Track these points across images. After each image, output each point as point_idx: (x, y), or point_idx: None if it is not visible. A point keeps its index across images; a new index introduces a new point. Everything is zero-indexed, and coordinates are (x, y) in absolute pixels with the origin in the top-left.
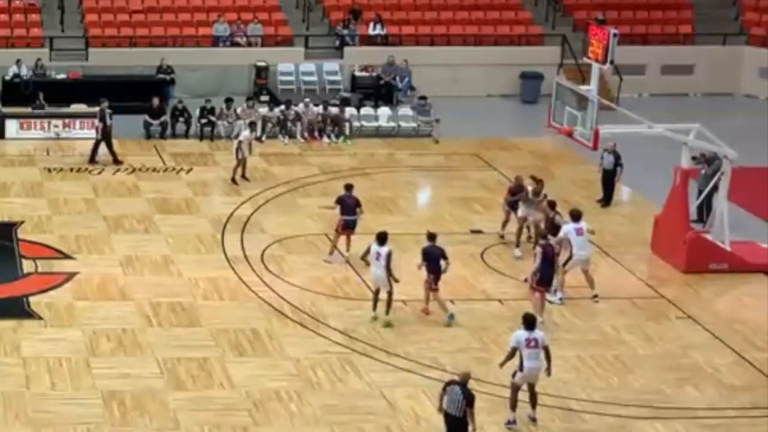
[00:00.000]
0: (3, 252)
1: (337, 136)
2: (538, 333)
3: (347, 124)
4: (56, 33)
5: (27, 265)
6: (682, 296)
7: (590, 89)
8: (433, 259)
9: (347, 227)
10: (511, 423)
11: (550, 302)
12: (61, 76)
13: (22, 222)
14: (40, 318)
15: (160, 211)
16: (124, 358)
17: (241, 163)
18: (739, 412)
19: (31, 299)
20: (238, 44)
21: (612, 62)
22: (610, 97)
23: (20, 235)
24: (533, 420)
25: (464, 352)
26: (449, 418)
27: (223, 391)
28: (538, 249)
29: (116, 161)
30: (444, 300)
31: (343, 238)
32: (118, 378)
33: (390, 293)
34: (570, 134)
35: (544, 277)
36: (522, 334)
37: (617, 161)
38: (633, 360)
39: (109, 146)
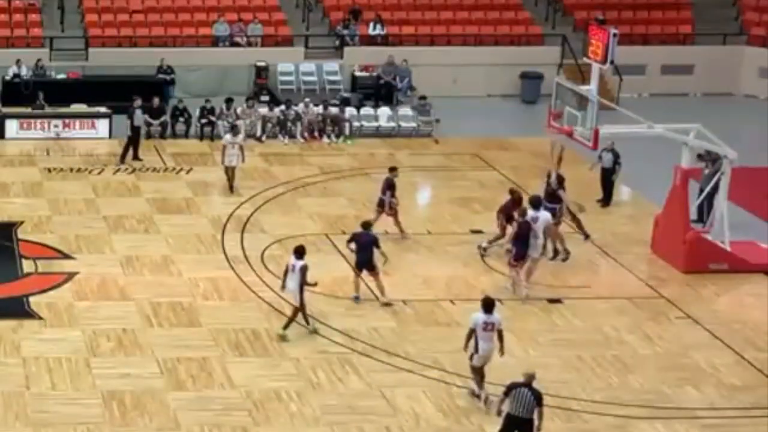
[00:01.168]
0: (3, 252)
1: (337, 136)
2: (495, 317)
3: (347, 124)
4: (56, 33)
5: (27, 265)
6: (682, 296)
7: (590, 89)
8: (363, 246)
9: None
10: (478, 396)
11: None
12: (61, 76)
13: (22, 222)
14: (40, 318)
15: (160, 211)
16: (124, 358)
17: (228, 171)
18: (739, 412)
19: (31, 299)
20: (238, 44)
21: (612, 62)
22: (610, 97)
23: (20, 235)
24: (482, 399)
25: (464, 352)
26: (517, 421)
27: (223, 391)
28: (514, 225)
29: (135, 158)
30: (359, 284)
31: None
32: (118, 378)
33: (297, 309)
34: (570, 134)
35: (519, 253)
36: (480, 317)
37: (616, 160)
38: (633, 360)
39: (134, 145)
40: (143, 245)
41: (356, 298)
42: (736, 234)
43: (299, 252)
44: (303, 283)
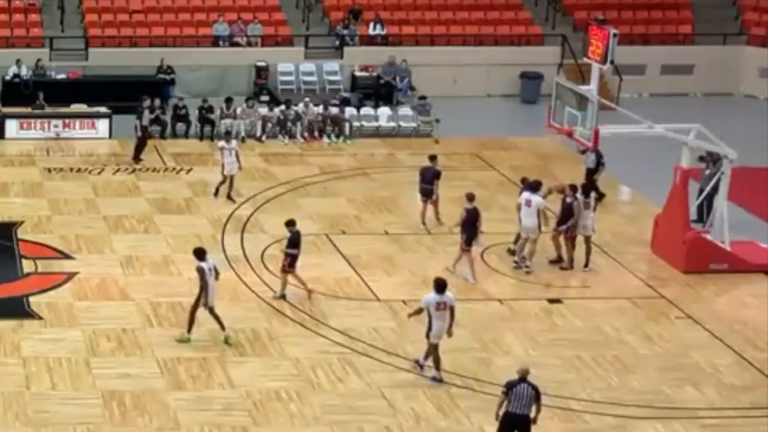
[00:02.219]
0: (3, 252)
1: (337, 136)
2: (448, 296)
3: (347, 124)
4: (56, 33)
5: (27, 265)
6: (682, 296)
7: (590, 89)
8: (293, 244)
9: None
10: (436, 380)
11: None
12: (61, 76)
13: (22, 222)
14: (40, 318)
15: (160, 211)
16: (124, 358)
17: (227, 179)
18: (739, 412)
19: (31, 299)
20: (238, 44)
21: (612, 62)
22: (610, 97)
23: (20, 235)
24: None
25: (464, 352)
26: (515, 418)
27: (223, 391)
28: (463, 211)
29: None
30: (287, 283)
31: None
32: (118, 378)
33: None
34: (570, 134)
35: (469, 238)
36: (433, 297)
37: (599, 160)
38: (633, 360)
39: (142, 144)
40: (143, 245)
41: (282, 296)
42: (736, 234)
43: (196, 253)
44: (202, 285)
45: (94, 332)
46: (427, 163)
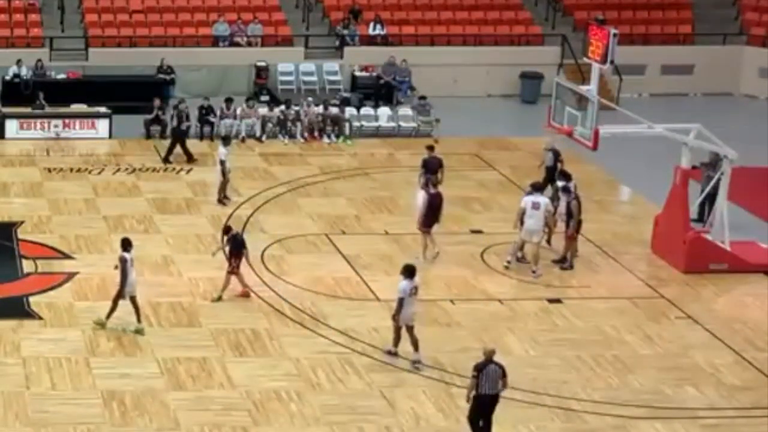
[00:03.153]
0: (3, 252)
1: (337, 136)
2: (417, 281)
3: (347, 124)
4: (56, 33)
5: (27, 265)
6: (682, 296)
7: (590, 89)
8: (237, 246)
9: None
10: (391, 353)
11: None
12: (61, 76)
13: (22, 222)
14: (40, 318)
15: (160, 211)
16: (124, 358)
17: (225, 183)
18: (739, 413)
19: (31, 299)
20: (238, 44)
21: (612, 62)
22: (610, 97)
23: (20, 235)
24: (416, 364)
25: (464, 352)
26: (487, 399)
27: (223, 391)
28: (424, 194)
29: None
30: (228, 286)
31: None
32: (118, 378)
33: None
34: (570, 134)
35: (427, 221)
36: (407, 284)
37: (556, 158)
38: (633, 360)
39: (180, 145)
40: (143, 245)
41: (219, 299)
42: (736, 234)
43: (122, 243)
44: (122, 276)
45: (94, 332)
46: (426, 154)
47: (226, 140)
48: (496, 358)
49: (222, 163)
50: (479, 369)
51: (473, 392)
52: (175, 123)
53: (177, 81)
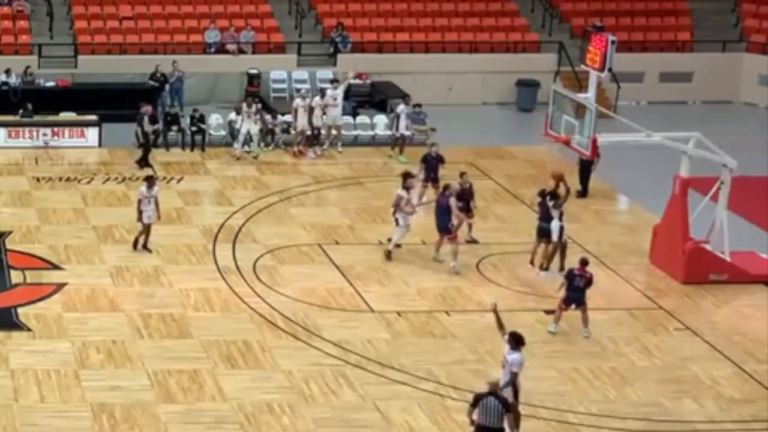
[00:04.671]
0: None
1: (332, 144)
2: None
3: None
4: (45, 40)
5: (15, 276)
6: (681, 307)
7: (588, 97)
8: None
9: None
10: None
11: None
12: (50, 83)
13: (11, 232)
14: (29, 329)
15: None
16: (113, 370)
17: (146, 229)
18: (738, 425)
19: (20, 310)
20: (228, 51)
21: (610, 70)
22: (607, 105)
23: (8, 246)
24: None
25: (459, 364)
26: (487, 430)
27: (215, 403)
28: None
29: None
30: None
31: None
32: (108, 390)
33: None
34: (567, 143)
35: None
36: (521, 358)
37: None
38: (631, 372)
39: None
40: (133, 255)
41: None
42: (735, 244)
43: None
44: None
45: (84, 344)
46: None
47: (149, 180)
48: (495, 371)
49: (138, 202)
50: (477, 399)
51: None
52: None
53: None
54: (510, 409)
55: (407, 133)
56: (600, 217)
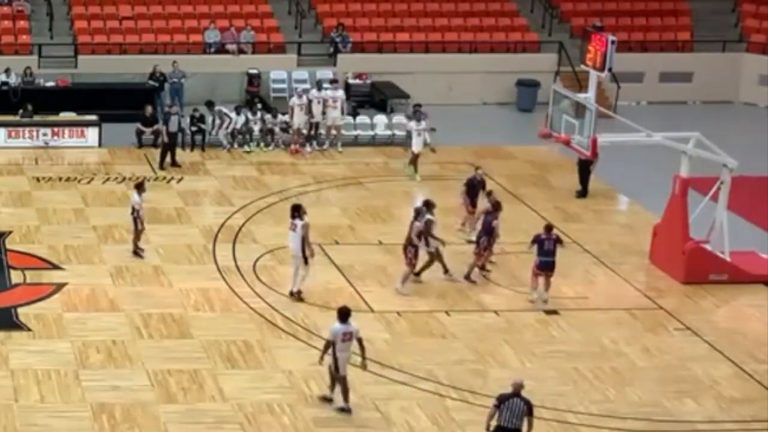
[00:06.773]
0: None
1: (332, 144)
2: (352, 326)
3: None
4: (45, 40)
5: (15, 276)
6: (682, 307)
7: (588, 97)
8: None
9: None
10: (345, 411)
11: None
12: (50, 83)
13: (11, 232)
14: (29, 329)
15: (151, 221)
16: (113, 370)
17: (139, 234)
18: (738, 425)
19: (20, 310)
20: (227, 51)
21: (610, 70)
22: (607, 105)
23: (8, 246)
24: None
25: (459, 364)
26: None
27: (215, 403)
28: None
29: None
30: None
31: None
32: (108, 390)
33: None
34: (567, 143)
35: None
36: (339, 328)
37: None
38: (631, 372)
39: (168, 152)
40: (133, 256)
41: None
42: (735, 244)
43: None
44: None
45: (84, 344)
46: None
47: (140, 187)
48: (495, 371)
49: (136, 211)
50: (501, 400)
51: (494, 422)
52: (174, 128)
53: (167, 88)
54: (533, 411)
55: (418, 150)
56: (600, 217)
